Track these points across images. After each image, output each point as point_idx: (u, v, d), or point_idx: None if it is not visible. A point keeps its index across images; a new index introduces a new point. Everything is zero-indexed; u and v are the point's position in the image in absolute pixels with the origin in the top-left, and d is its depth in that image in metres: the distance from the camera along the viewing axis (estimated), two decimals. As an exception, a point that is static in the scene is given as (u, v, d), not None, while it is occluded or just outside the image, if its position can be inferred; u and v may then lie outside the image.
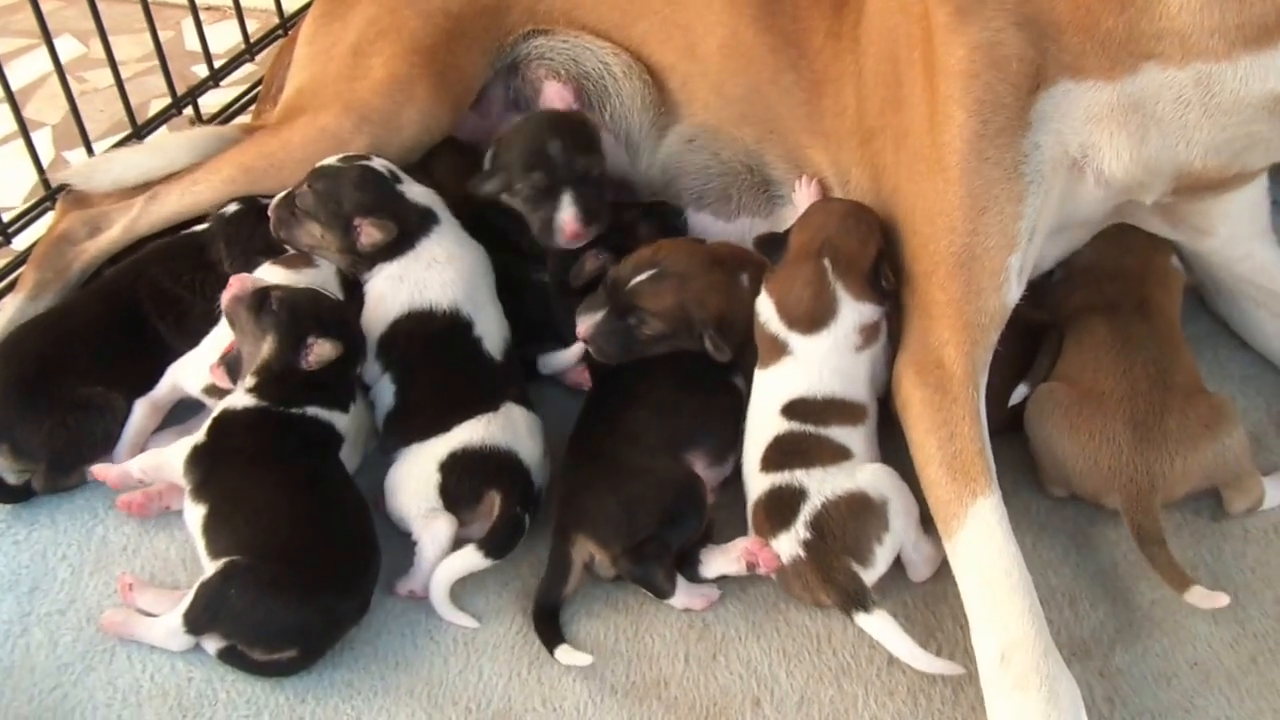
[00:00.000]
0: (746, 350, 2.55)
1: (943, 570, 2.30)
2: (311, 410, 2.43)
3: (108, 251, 2.90)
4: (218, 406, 2.45)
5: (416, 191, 2.68)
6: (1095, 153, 2.29)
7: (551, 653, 2.23)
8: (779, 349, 2.43)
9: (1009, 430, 2.49)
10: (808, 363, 2.41)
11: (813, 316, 2.43)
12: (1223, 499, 2.41)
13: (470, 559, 2.35)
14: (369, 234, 2.59)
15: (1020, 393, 2.50)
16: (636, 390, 2.51)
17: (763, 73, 2.84)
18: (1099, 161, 2.30)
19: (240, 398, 2.42)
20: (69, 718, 2.22)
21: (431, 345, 2.60)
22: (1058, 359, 2.54)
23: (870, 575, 2.24)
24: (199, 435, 2.40)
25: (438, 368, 2.58)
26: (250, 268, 2.60)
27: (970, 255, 2.31)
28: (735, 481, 2.49)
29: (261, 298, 2.42)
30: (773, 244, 2.55)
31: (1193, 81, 2.16)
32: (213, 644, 2.25)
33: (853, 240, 2.46)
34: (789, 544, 2.25)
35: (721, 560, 2.30)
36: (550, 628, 2.28)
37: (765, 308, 2.47)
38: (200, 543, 2.30)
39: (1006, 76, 2.26)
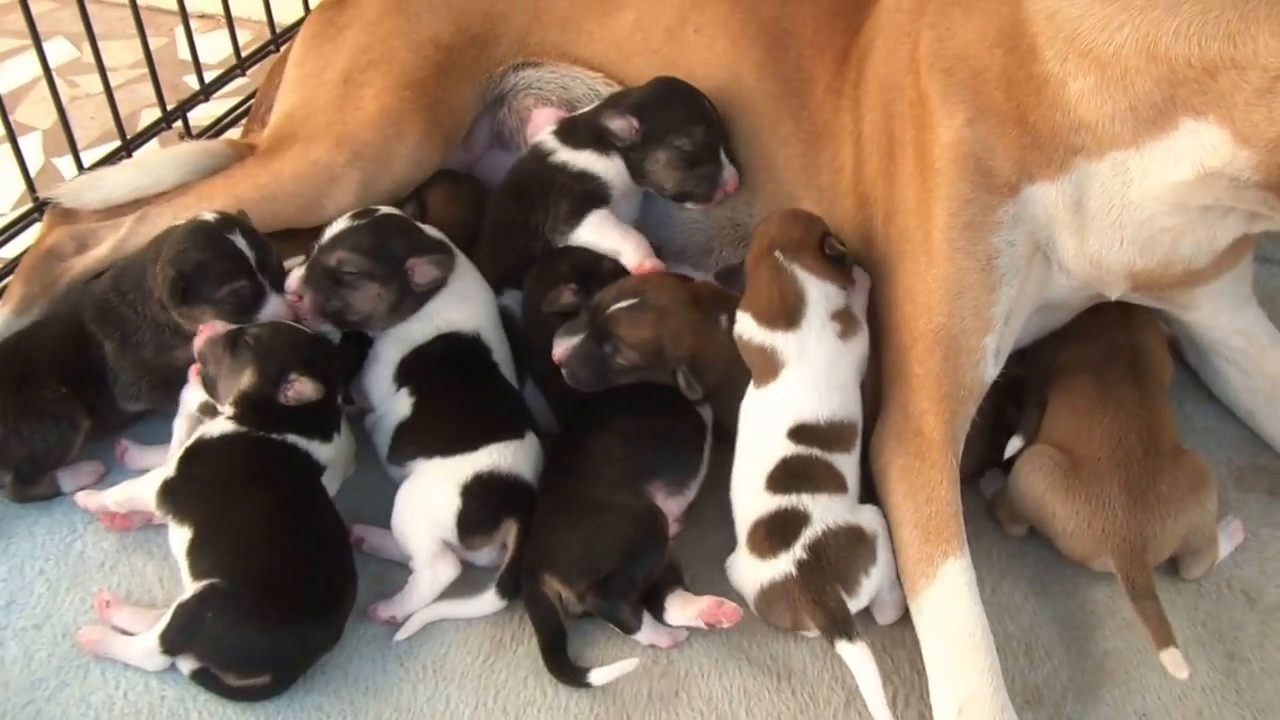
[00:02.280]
0: (721, 390, 2.60)
1: (903, 617, 2.35)
2: (291, 438, 2.46)
3: (94, 269, 2.90)
4: (191, 438, 2.48)
5: (428, 228, 2.72)
6: (1056, 249, 2.40)
7: (586, 684, 2.29)
8: (772, 361, 2.47)
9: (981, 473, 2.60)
10: (804, 369, 2.45)
11: (786, 306, 2.48)
12: (1181, 564, 2.46)
13: (489, 604, 2.42)
14: (424, 272, 2.61)
15: (1014, 445, 2.55)
16: (601, 423, 2.55)
17: (762, 119, 2.89)
18: (1059, 256, 2.41)
19: (219, 425, 2.47)
20: (42, 732, 2.27)
21: (455, 362, 2.66)
22: (1043, 412, 2.59)
23: (853, 606, 2.29)
24: (169, 469, 2.43)
25: (460, 383, 2.63)
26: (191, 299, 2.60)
27: (947, 334, 2.41)
28: (700, 511, 2.55)
29: (235, 336, 2.47)
30: (732, 274, 2.63)
31: (1111, 171, 2.27)
32: (187, 665, 2.28)
33: (795, 229, 2.55)
34: (785, 562, 2.30)
35: (682, 611, 2.34)
36: (566, 667, 2.31)
37: (744, 324, 2.52)
38: (183, 564, 2.34)
39: (966, 175, 2.38)
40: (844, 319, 2.49)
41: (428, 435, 2.56)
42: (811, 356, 2.45)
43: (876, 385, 2.56)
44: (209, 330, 2.50)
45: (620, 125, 2.79)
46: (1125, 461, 2.42)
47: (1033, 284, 2.45)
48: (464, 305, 2.68)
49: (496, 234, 2.90)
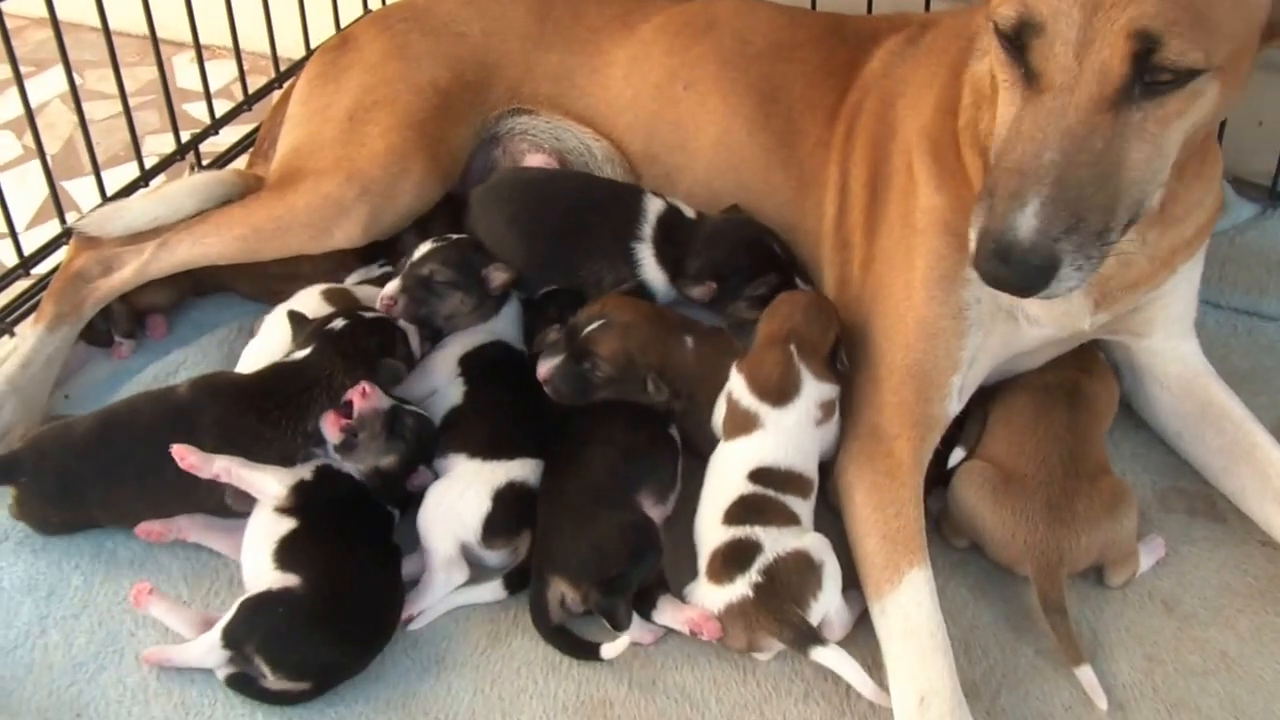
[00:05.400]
0: (689, 409, 2.80)
1: (852, 633, 2.54)
2: (394, 511, 2.69)
3: (119, 290, 3.09)
4: (321, 459, 2.66)
5: None
6: (1020, 304, 2.60)
7: (599, 658, 2.47)
8: (751, 421, 2.66)
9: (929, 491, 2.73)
10: (776, 434, 2.64)
11: (781, 391, 2.66)
12: (1105, 573, 2.63)
13: (494, 592, 2.61)
14: (497, 277, 2.90)
15: (957, 455, 2.74)
16: (591, 438, 2.72)
17: (754, 170, 3.08)
18: (1024, 310, 2.61)
19: (352, 468, 2.66)
20: (84, 711, 2.43)
21: (506, 369, 2.90)
22: (984, 427, 2.77)
23: None
24: (305, 472, 2.59)
25: (507, 390, 2.85)
26: (361, 377, 2.67)
27: (920, 369, 2.61)
28: (676, 525, 2.69)
29: (393, 419, 2.64)
30: (742, 328, 2.87)
31: None
32: (225, 670, 2.43)
33: (815, 329, 2.72)
34: (741, 586, 2.45)
35: (672, 615, 2.51)
36: (571, 642, 2.52)
37: (738, 385, 2.70)
38: (269, 550, 2.48)
39: (941, 234, 2.58)
40: (826, 408, 2.68)
41: (472, 433, 2.74)
42: (786, 429, 2.64)
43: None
44: (375, 400, 2.63)
45: (701, 293, 2.99)
46: (1048, 480, 2.59)
47: (997, 337, 2.63)
48: (514, 326, 3.00)
49: (562, 231, 3.10)
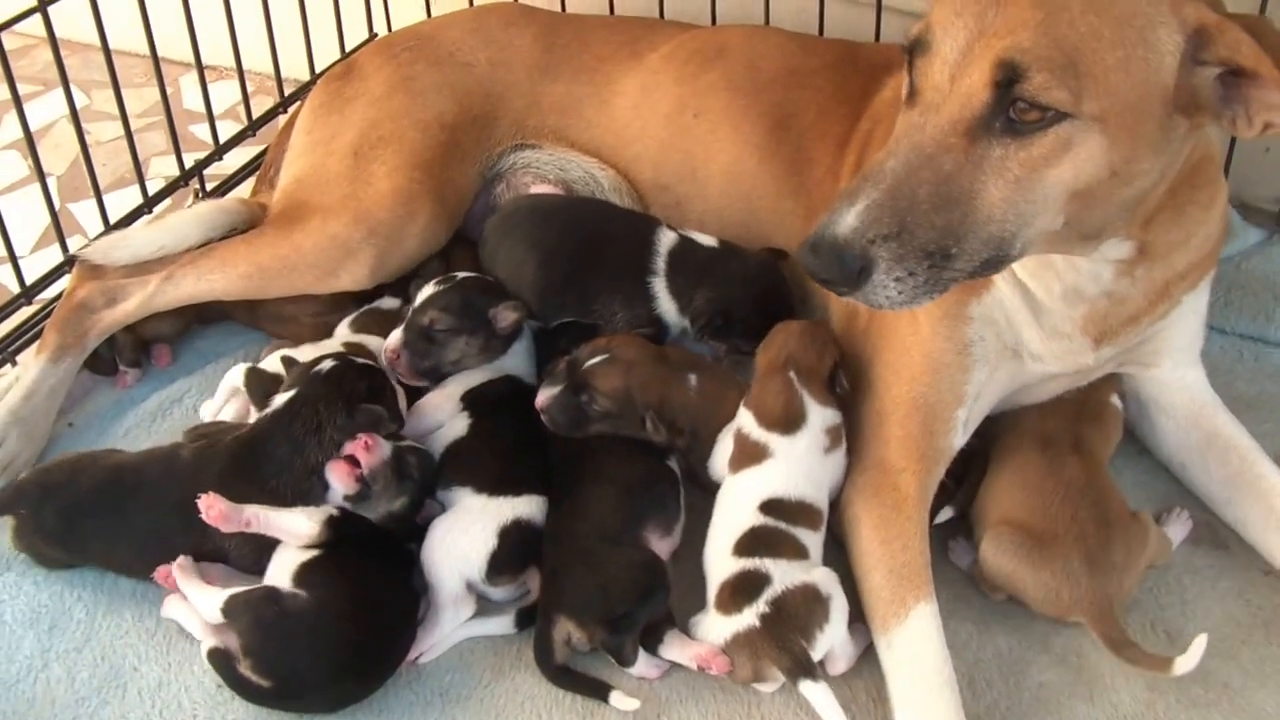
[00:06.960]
0: (693, 445, 2.80)
1: (856, 666, 2.55)
2: (411, 546, 2.67)
3: (123, 322, 3.10)
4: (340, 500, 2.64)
5: None
6: (1023, 342, 2.61)
7: (605, 698, 2.48)
8: (761, 452, 2.67)
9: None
10: (788, 462, 2.65)
11: (788, 419, 2.68)
12: None
13: (503, 626, 2.62)
14: (505, 317, 2.88)
15: (945, 514, 2.76)
16: (596, 474, 2.72)
17: (764, 199, 3.09)
18: (1028, 349, 2.62)
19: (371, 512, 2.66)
20: (86, 748, 2.44)
21: (513, 403, 2.87)
22: (978, 485, 2.76)
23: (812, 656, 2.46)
24: (331, 509, 2.57)
25: (515, 423, 2.83)
26: (352, 425, 2.65)
27: (926, 402, 2.61)
28: (681, 558, 2.70)
29: (398, 463, 2.65)
30: (742, 362, 2.88)
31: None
32: (210, 642, 2.47)
33: (812, 354, 2.74)
34: (748, 616, 2.46)
35: (679, 650, 2.52)
36: (575, 681, 2.52)
37: (747, 420, 2.72)
38: (291, 569, 2.48)
39: None
40: (833, 434, 2.69)
41: (478, 468, 2.72)
42: (798, 457, 2.66)
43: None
44: (379, 450, 2.63)
45: (712, 347, 3.02)
46: (1081, 536, 2.57)
47: (1003, 372, 2.64)
48: (525, 360, 2.98)
49: (569, 251, 3.10)
